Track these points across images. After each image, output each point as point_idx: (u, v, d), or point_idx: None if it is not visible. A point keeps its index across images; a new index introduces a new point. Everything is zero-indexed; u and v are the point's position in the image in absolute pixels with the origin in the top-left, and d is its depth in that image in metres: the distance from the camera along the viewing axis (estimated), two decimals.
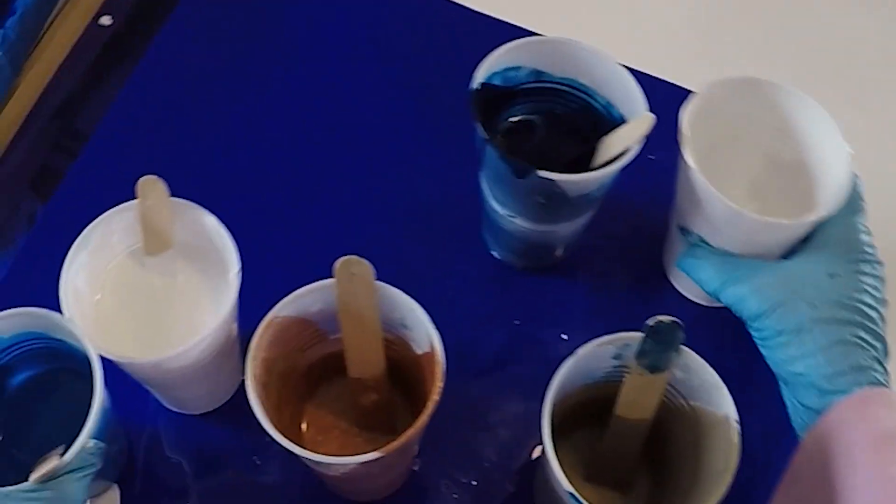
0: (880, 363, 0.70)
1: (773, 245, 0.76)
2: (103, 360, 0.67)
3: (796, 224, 0.74)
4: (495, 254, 0.88)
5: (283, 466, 0.80)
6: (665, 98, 0.79)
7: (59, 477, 0.64)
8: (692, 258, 0.78)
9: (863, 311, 0.71)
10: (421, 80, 0.98)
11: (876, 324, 0.71)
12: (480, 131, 0.73)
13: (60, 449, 0.64)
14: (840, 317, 0.70)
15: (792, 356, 0.71)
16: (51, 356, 0.71)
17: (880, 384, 0.69)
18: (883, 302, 0.72)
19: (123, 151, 0.93)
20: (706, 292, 0.77)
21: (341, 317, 0.70)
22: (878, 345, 0.70)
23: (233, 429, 0.81)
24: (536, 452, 0.81)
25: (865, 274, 0.72)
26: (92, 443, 0.66)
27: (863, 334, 0.70)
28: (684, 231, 0.80)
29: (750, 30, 1.02)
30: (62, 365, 0.71)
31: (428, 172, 0.93)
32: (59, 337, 0.69)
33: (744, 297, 0.74)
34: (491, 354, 0.86)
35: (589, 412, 0.74)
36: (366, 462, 0.64)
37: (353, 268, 0.68)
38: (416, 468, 0.80)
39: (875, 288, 0.72)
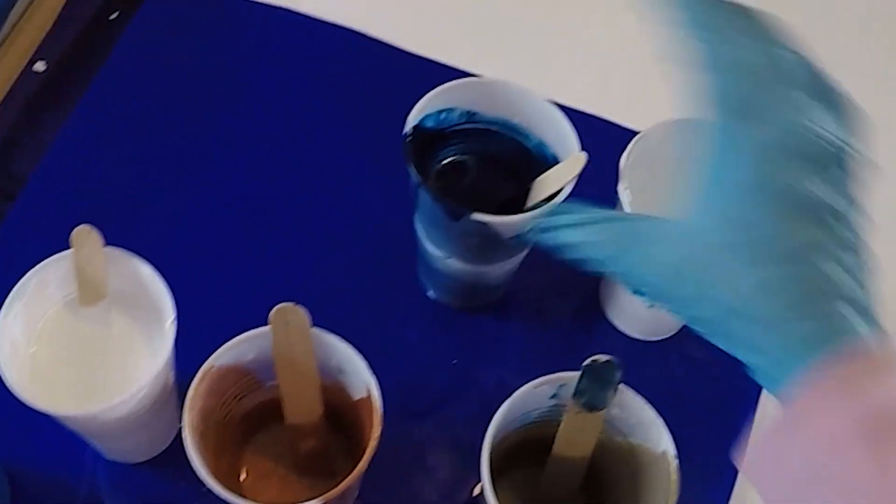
0: (855, 304, 0.52)
1: None
2: (37, 410, 0.67)
3: None
4: (431, 294, 0.89)
5: None
6: (599, 135, 0.79)
7: None
8: (557, 225, 0.59)
9: (811, 257, 0.52)
10: (356, 122, 0.98)
11: (839, 254, 0.53)
12: (414, 174, 0.73)
13: None
14: (777, 279, 0.52)
15: (726, 347, 0.55)
16: None
17: (856, 337, 0.51)
18: (852, 212, 0.55)
19: (58, 199, 0.92)
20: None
21: (277, 364, 0.70)
22: (846, 279, 0.52)
23: (171, 476, 0.81)
24: (476, 490, 0.81)
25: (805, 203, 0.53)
26: None
27: (818, 281, 0.52)
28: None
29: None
30: None
31: (363, 214, 0.93)
32: None
33: (647, 291, 0.57)
34: (429, 396, 0.86)
35: (527, 451, 0.74)
36: None
37: (288, 316, 0.68)
38: None
39: (838, 202, 0.54)
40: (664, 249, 0.55)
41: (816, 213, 0.53)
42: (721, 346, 0.54)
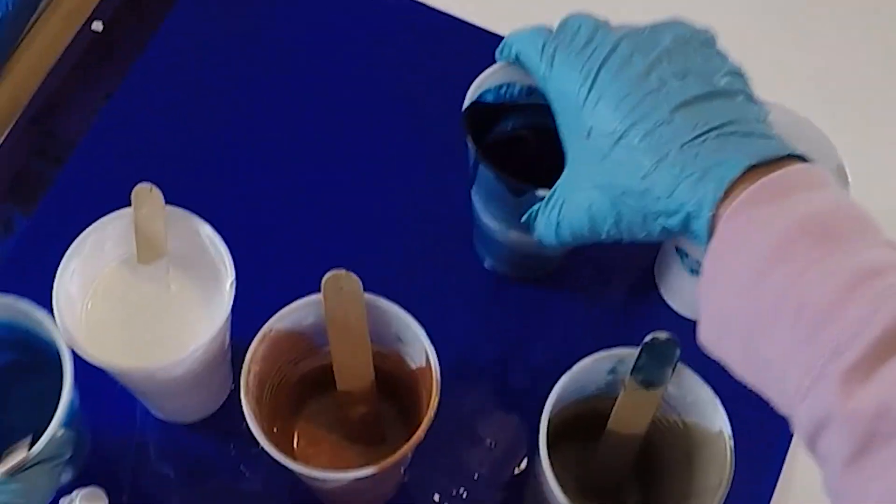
0: (755, 132, 0.55)
1: None
2: (92, 367, 0.67)
3: None
4: (488, 264, 0.88)
5: (269, 476, 0.80)
6: None
7: (28, 468, 0.62)
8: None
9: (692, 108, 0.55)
10: (414, 92, 0.97)
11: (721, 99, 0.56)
12: (473, 150, 0.72)
13: (28, 439, 0.63)
14: (658, 138, 0.55)
15: (652, 233, 0.58)
16: (17, 346, 0.70)
17: (764, 160, 0.53)
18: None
19: (114, 159, 0.92)
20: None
21: (330, 331, 0.70)
22: (738, 114, 0.55)
23: (220, 439, 0.81)
24: (520, 468, 0.81)
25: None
26: (62, 431, 0.64)
27: (703, 120, 0.55)
28: (681, 252, 0.80)
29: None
30: (28, 356, 0.70)
31: (421, 183, 0.93)
32: (26, 326, 0.68)
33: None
34: (483, 367, 0.86)
35: (580, 426, 0.74)
36: (361, 477, 0.64)
37: (342, 282, 0.68)
38: (405, 480, 0.80)
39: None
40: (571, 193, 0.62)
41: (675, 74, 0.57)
42: (652, 237, 0.58)
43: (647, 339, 0.67)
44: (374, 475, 0.65)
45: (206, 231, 0.72)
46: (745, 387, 0.77)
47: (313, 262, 0.72)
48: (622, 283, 0.90)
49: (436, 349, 0.69)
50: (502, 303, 0.88)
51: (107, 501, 0.77)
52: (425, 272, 0.89)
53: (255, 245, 0.86)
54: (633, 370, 0.68)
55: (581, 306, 0.89)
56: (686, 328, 0.85)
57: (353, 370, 0.72)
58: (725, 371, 0.72)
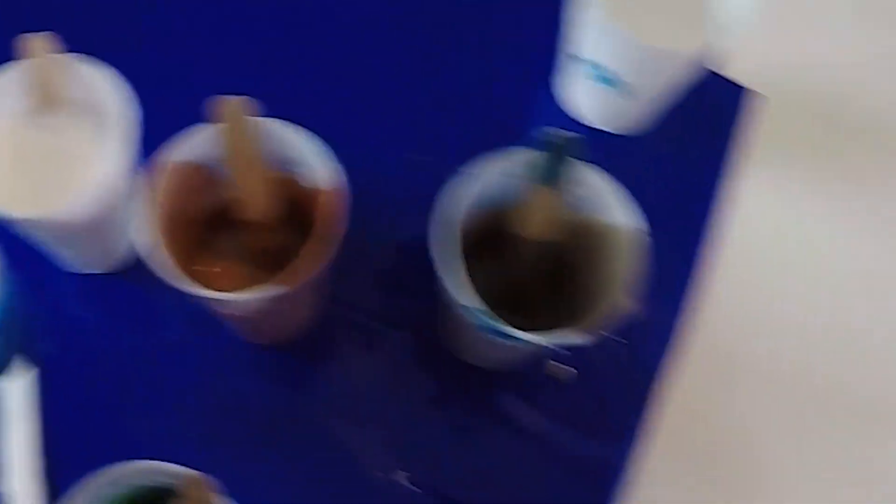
0: None
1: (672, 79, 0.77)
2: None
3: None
4: None
5: (189, 322, 0.80)
6: None
7: None
8: None
9: None
10: None
11: None
12: None
13: None
14: None
15: None
16: None
17: None
18: None
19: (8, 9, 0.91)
20: None
21: (228, 162, 0.69)
22: None
23: (137, 288, 0.81)
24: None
25: None
26: None
27: None
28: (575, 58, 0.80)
29: None
30: None
31: None
32: None
33: None
34: (388, 179, 0.86)
35: (489, 242, 0.74)
36: (267, 297, 0.64)
37: (232, 109, 0.67)
38: (326, 303, 0.81)
39: None
40: None
41: None
42: None
43: (544, 134, 0.66)
44: (285, 293, 0.65)
45: (103, 75, 0.71)
46: (653, 187, 0.78)
47: (218, 88, 0.70)
48: (517, 79, 0.91)
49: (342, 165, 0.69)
50: (399, 100, 0.90)
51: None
52: (321, 83, 0.90)
53: (154, 83, 0.84)
54: (534, 169, 0.68)
55: (475, 103, 0.90)
56: (584, 132, 0.85)
57: (256, 200, 0.71)
58: (624, 177, 0.72)
